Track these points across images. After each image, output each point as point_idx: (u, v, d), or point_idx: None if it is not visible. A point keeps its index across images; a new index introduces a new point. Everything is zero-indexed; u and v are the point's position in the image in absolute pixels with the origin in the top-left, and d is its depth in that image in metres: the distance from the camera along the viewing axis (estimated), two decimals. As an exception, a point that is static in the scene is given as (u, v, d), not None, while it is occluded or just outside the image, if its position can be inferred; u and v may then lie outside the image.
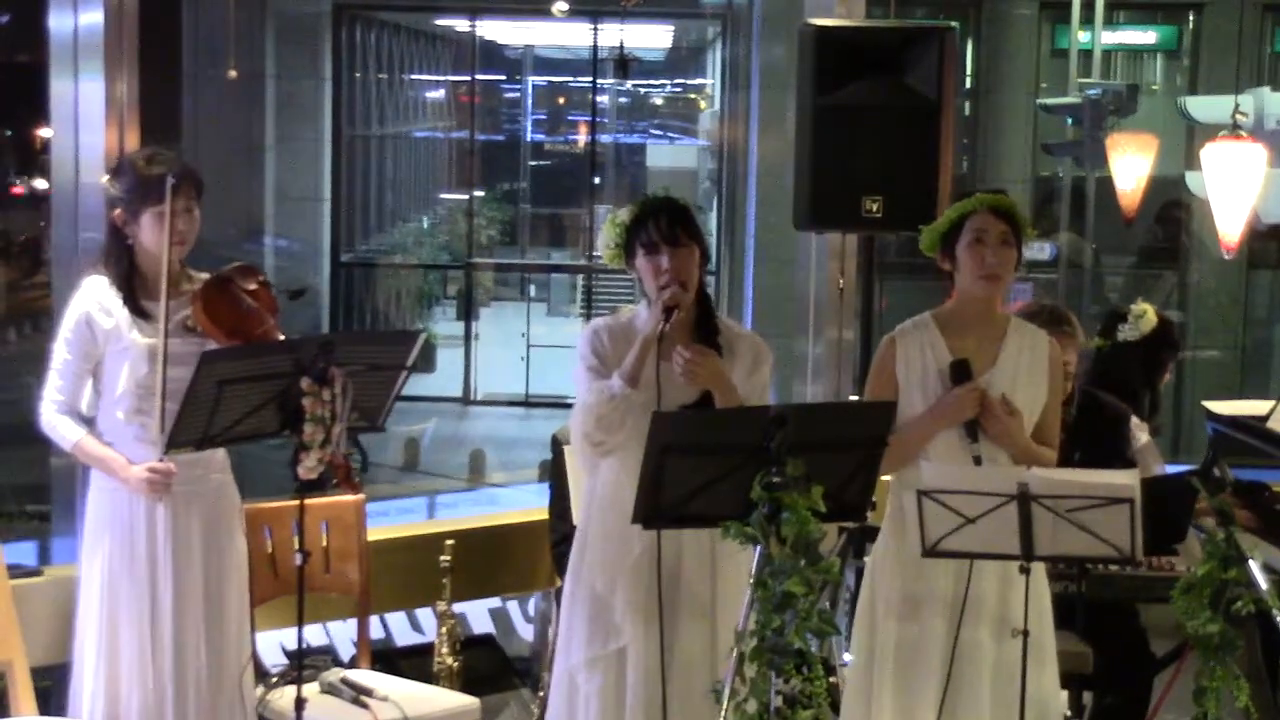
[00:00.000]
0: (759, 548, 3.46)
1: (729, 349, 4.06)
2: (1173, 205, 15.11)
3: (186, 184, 4.25)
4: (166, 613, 4.24)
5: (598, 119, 22.04)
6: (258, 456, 4.96)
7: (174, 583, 4.25)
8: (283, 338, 4.29)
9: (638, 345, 3.95)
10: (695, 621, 3.98)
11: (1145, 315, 5.51)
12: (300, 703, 4.13)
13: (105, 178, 4.39)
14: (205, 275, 4.34)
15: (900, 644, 4.07)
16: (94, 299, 4.25)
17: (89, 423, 4.29)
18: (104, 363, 4.26)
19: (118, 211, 4.29)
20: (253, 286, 4.32)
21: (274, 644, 5.32)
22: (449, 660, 5.15)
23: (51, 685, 4.58)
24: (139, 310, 4.25)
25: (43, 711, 4.38)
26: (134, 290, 4.26)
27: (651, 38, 22.81)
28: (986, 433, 4.04)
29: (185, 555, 4.27)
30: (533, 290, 22.97)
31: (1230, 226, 7.80)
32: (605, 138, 22.89)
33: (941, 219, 4.14)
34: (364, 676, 4.71)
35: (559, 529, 4.97)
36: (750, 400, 4.01)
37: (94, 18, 4.78)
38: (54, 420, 4.26)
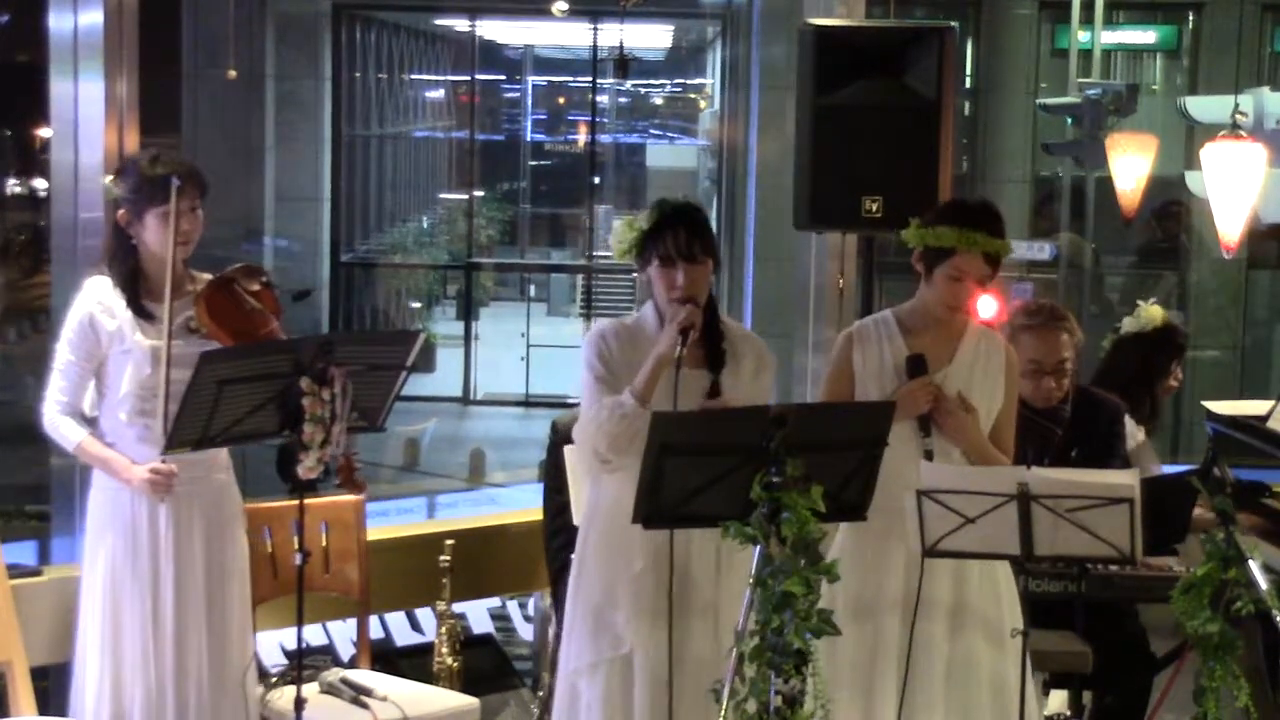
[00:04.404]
0: (759, 548, 3.46)
1: (733, 353, 4.04)
2: (1172, 205, 15.10)
3: (190, 184, 4.25)
4: (168, 613, 4.25)
5: (597, 119, 22.03)
6: (257, 456, 4.95)
7: (176, 582, 4.25)
8: (279, 330, 4.29)
9: (650, 363, 3.89)
10: (702, 621, 3.96)
11: (1149, 312, 5.50)
12: (300, 703, 4.13)
13: (109, 178, 4.38)
14: (208, 276, 4.33)
15: (856, 645, 4.06)
16: (97, 300, 4.25)
17: (91, 423, 4.29)
18: (107, 364, 4.25)
19: (121, 212, 4.28)
20: (256, 287, 4.31)
21: (274, 644, 5.32)
22: (449, 660, 5.15)
23: (50, 685, 4.58)
24: (142, 311, 4.25)
25: (42, 712, 4.37)
26: (137, 291, 4.26)
27: (651, 38, 22.80)
28: (939, 427, 4.06)
29: (187, 555, 4.27)
30: (532, 290, 22.96)
31: (1230, 226, 7.79)
32: (605, 138, 22.89)
33: (932, 234, 4.11)
34: (364, 676, 4.71)
35: (557, 523, 4.94)
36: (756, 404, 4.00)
37: (94, 18, 4.78)
38: (56, 421, 4.26)
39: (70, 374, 4.25)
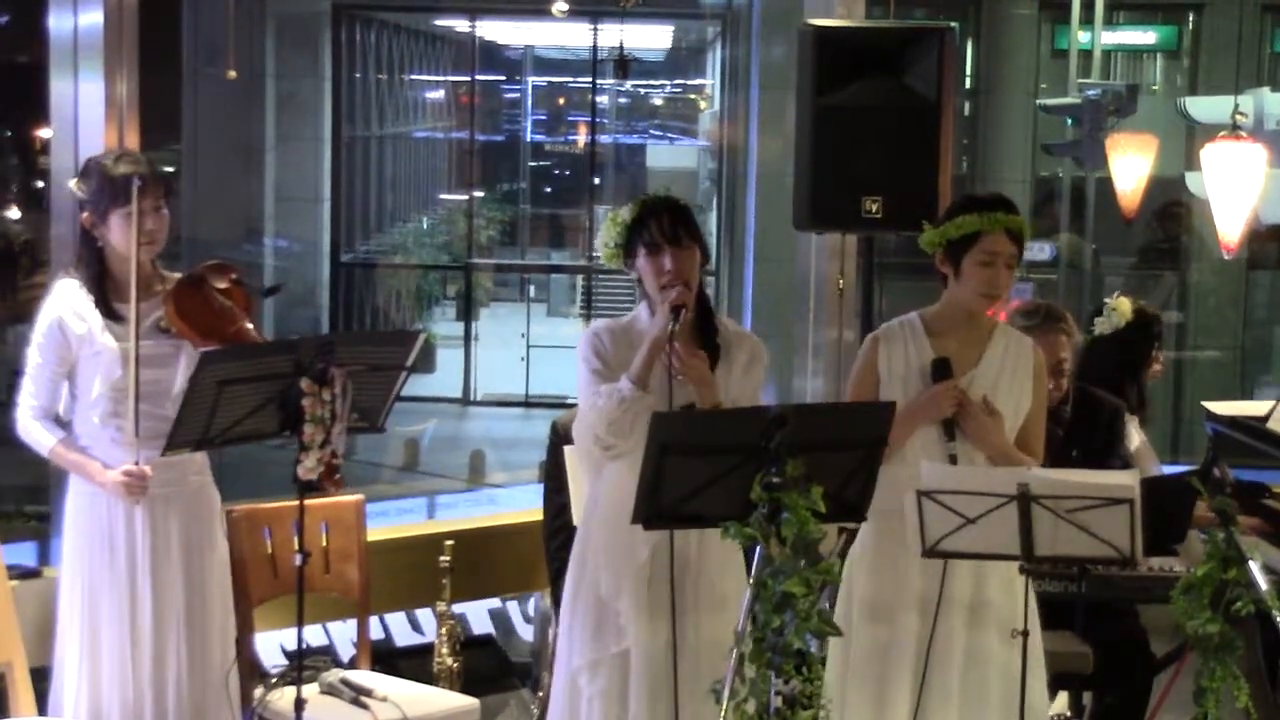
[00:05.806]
0: (759, 548, 3.46)
1: (726, 349, 4.05)
2: (1173, 205, 15.11)
3: (153, 184, 4.23)
4: (146, 614, 4.24)
5: (597, 119, 22.06)
6: (250, 456, 4.95)
7: (153, 584, 4.25)
8: (250, 327, 4.28)
9: (645, 347, 3.91)
10: (712, 615, 3.96)
11: (1119, 308, 5.49)
12: (300, 703, 4.12)
13: (73, 181, 4.37)
14: (178, 275, 4.32)
15: (873, 646, 4.06)
16: (66, 303, 4.24)
17: (67, 426, 4.29)
18: (78, 367, 4.24)
19: (86, 214, 4.27)
20: (225, 285, 4.29)
21: (274, 644, 5.31)
22: (449, 661, 5.15)
23: (49, 686, 4.58)
24: (111, 313, 4.23)
25: (41, 713, 4.37)
26: (105, 293, 4.24)
27: (651, 38, 22.81)
28: (964, 431, 4.04)
29: (164, 557, 4.27)
30: (532, 291, 22.98)
31: (1230, 227, 7.81)
32: (605, 138, 22.90)
33: (953, 225, 4.09)
34: (364, 677, 4.71)
35: (556, 524, 4.93)
36: (740, 401, 4.01)
37: (93, 18, 4.78)
38: (29, 426, 4.25)
39: (41, 378, 4.24)
